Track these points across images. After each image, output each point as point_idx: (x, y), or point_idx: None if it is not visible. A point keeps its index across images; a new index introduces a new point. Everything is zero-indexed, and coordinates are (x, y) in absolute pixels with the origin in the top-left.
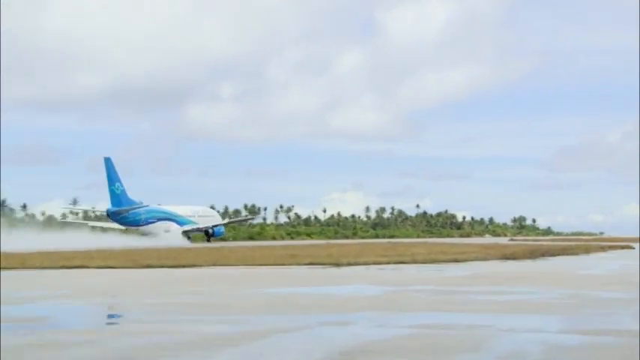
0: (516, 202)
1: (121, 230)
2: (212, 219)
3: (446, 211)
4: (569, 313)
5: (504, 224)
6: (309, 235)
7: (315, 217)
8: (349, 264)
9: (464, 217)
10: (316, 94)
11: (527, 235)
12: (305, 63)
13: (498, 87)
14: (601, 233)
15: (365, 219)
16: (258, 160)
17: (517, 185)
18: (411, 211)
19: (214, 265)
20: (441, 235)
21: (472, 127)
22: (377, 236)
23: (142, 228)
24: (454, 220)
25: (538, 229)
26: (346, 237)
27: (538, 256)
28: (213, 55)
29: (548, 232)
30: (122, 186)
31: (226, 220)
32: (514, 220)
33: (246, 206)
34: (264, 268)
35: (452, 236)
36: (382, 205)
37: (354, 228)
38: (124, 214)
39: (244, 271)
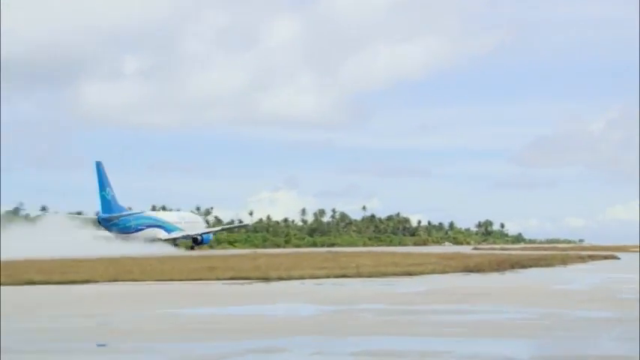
0: (482, 204)
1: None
2: (198, 225)
3: (398, 215)
4: (543, 337)
5: (467, 230)
6: (231, 244)
7: (240, 222)
8: (281, 278)
9: (419, 222)
10: (241, 71)
11: (495, 242)
12: (228, 32)
13: (462, 64)
14: (581, 241)
15: (300, 223)
16: (169, 151)
17: (483, 183)
18: (356, 214)
19: (115, 280)
20: (391, 243)
21: (430, 112)
22: (315, 244)
23: (131, 235)
24: (407, 225)
25: (507, 235)
26: (277, 245)
27: (507, 268)
28: (114, 21)
29: (518, 239)
30: (112, 191)
31: (217, 228)
32: (479, 226)
33: (154, 207)
34: (176, 283)
35: (405, 244)
36: (321, 207)
37: (287, 234)
38: (114, 221)
39: (151, 288)
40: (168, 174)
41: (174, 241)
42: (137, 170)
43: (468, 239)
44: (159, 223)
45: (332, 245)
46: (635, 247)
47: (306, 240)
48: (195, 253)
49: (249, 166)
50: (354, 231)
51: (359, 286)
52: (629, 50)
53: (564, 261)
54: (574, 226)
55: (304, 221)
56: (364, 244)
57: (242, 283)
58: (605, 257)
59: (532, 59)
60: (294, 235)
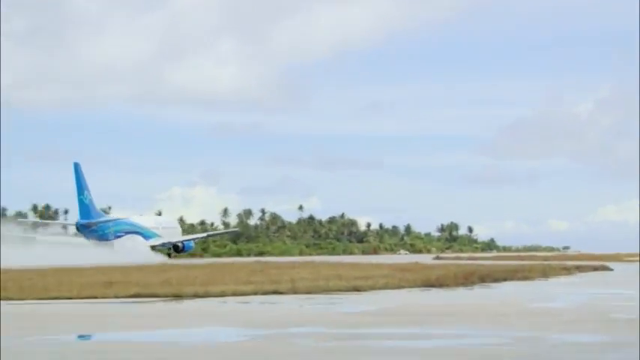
0: (445, 203)
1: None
2: (175, 231)
3: (342, 216)
4: None
5: (428, 235)
6: None
7: (227, 227)
8: (196, 295)
9: (369, 225)
10: (146, 36)
11: (461, 250)
12: None
13: (421, 32)
14: (566, 248)
15: (222, 227)
16: (54, 136)
17: (446, 178)
18: (291, 216)
19: None
20: (334, 252)
21: (382, 90)
22: (239, 253)
23: (110, 243)
24: (354, 229)
25: (476, 242)
26: (193, 254)
27: (475, 281)
28: None
29: (490, 246)
30: (90, 195)
31: (201, 234)
32: (442, 230)
33: (35, 208)
34: (65, 302)
35: (351, 253)
36: (247, 207)
37: (205, 241)
38: (93, 228)
39: (32, 308)
40: (50, 164)
41: (153, 249)
42: (9, 161)
43: (428, 246)
44: (137, 229)
45: (261, 254)
46: (630, 255)
47: (228, 248)
48: (89, 263)
49: (156, 155)
50: (288, 236)
51: (294, 305)
52: (623, 15)
53: (546, 273)
54: (558, 230)
55: (226, 224)
56: (301, 253)
57: (149, 302)
58: (595, 268)
59: (506, 26)
60: (214, 241)
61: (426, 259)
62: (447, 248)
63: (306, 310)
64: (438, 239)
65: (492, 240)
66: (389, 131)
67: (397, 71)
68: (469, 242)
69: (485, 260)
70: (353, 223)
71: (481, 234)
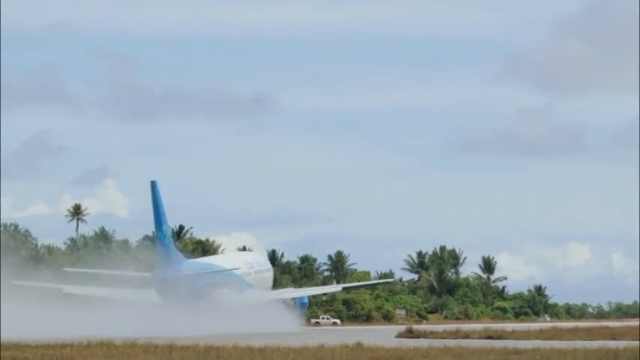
0: (426, 203)
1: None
2: (267, 276)
3: (180, 233)
4: None
5: (388, 278)
6: None
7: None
8: None
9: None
10: None
11: (467, 316)
12: None
13: None
14: None
15: None
16: None
17: (428, 145)
18: (57, 235)
19: None
20: None
21: None
22: None
23: (199, 302)
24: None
25: (503, 295)
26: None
27: None
28: None
29: (535, 305)
30: (169, 229)
31: (334, 287)
32: (418, 266)
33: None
34: None
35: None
36: None
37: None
38: (173, 282)
39: None
40: None
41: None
42: None
43: (387, 305)
44: (228, 278)
45: None
46: None
47: None
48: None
49: None
50: None
51: None
52: None
53: None
54: None
55: None
56: None
57: None
58: None
59: None
60: None
61: (383, 335)
62: (432, 311)
63: None
64: (411, 288)
65: (540, 291)
66: (287, 27)
67: None
68: (486, 296)
69: (528, 339)
70: (206, 248)
71: (514, 276)
